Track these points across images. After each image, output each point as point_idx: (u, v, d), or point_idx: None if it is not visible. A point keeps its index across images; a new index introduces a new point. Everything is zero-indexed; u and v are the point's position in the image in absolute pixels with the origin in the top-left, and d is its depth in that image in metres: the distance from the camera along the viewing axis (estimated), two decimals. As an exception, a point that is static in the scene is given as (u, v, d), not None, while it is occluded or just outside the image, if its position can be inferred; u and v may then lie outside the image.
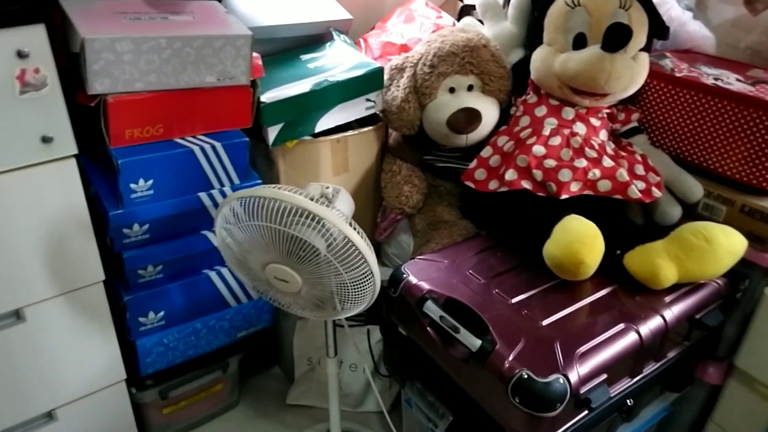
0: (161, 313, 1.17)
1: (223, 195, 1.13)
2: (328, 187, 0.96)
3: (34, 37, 0.83)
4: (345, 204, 0.98)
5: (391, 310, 1.07)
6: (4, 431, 1.05)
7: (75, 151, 0.93)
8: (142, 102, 0.98)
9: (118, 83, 0.93)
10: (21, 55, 0.82)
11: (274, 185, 0.89)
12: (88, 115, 0.97)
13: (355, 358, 1.39)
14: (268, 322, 1.35)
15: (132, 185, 1.01)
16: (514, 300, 0.99)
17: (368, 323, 1.37)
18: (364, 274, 0.88)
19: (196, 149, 1.06)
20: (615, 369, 0.91)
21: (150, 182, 1.03)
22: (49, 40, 0.85)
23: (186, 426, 1.39)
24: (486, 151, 1.17)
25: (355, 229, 0.86)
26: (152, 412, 1.31)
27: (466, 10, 1.55)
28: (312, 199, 0.85)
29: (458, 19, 1.50)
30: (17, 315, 0.99)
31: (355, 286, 0.91)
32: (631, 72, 1.10)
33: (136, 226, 1.06)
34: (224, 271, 1.22)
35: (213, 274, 1.20)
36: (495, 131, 1.22)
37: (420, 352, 1.03)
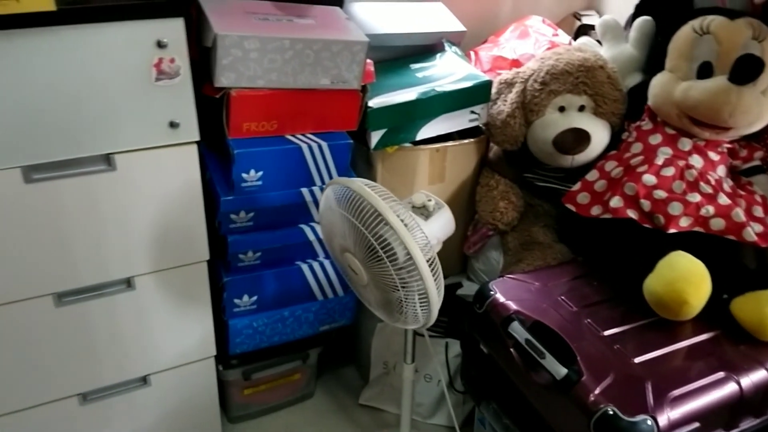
0: (254, 298, 1.23)
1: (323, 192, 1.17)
2: (430, 200, 0.95)
3: (174, 30, 0.90)
4: (442, 222, 0.95)
5: (474, 326, 1.06)
6: (104, 389, 1.15)
7: (197, 138, 1.00)
8: (262, 98, 1.03)
9: (242, 78, 0.99)
10: (160, 45, 0.90)
11: (369, 182, 0.90)
12: (209, 106, 1.04)
13: (431, 368, 1.39)
14: (350, 320, 1.38)
15: (244, 174, 1.07)
16: (606, 333, 0.95)
17: (447, 336, 1.36)
18: (420, 297, 0.87)
19: (304, 147, 1.10)
20: (709, 419, 0.86)
21: (260, 173, 1.09)
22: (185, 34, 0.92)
23: (263, 409, 1.45)
24: (592, 175, 1.13)
25: (425, 253, 0.85)
26: (234, 391, 1.38)
27: (584, 30, 1.51)
28: (413, 207, 0.86)
29: (575, 39, 1.47)
30: (128, 283, 1.07)
31: (409, 304, 0.90)
32: (759, 107, 1.03)
33: (242, 213, 1.12)
34: (315, 265, 1.26)
35: (305, 267, 1.25)
36: (603, 155, 1.18)
37: (500, 372, 1.01)
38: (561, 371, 0.88)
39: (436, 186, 1.29)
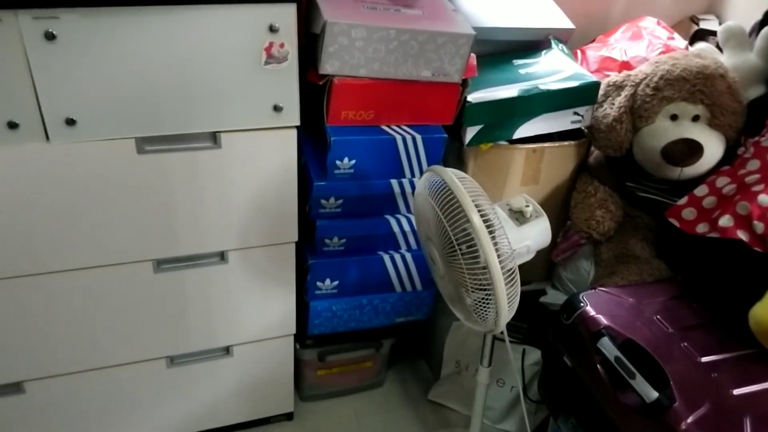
0: (336, 282, 1.25)
1: (412, 185, 1.17)
2: (529, 205, 0.92)
3: (286, 15, 0.92)
4: (536, 231, 0.91)
5: (559, 337, 1.03)
6: (190, 354, 1.21)
7: (297, 122, 1.02)
8: (363, 87, 1.04)
9: (345, 67, 1.00)
10: (272, 29, 0.92)
11: (463, 176, 0.89)
12: (309, 92, 1.05)
13: (505, 374, 1.36)
14: (426, 315, 1.38)
15: (337, 162, 1.09)
16: (703, 359, 0.89)
17: (526, 342, 1.32)
18: (488, 304, 0.85)
19: (398, 138, 1.10)
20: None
21: (353, 162, 1.09)
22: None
23: (333, 392, 1.48)
24: (701, 190, 1.06)
25: (504, 260, 0.82)
26: (308, 371, 1.41)
27: (701, 35, 1.41)
28: (510, 210, 0.84)
29: (690, 44, 1.38)
30: (222, 256, 1.11)
31: (479, 306, 0.88)
32: None
33: (332, 199, 1.14)
34: (397, 257, 1.26)
35: (386, 258, 1.25)
36: (715, 170, 1.10)
37: (582, 387, 0.97)
38: (651, 395, 0.83)
39: (528, 188, 1.25)
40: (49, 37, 0.82)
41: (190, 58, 0.90)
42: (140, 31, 0.85)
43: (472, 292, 0.86)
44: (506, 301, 0.84)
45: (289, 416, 1.41)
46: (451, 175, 0.87)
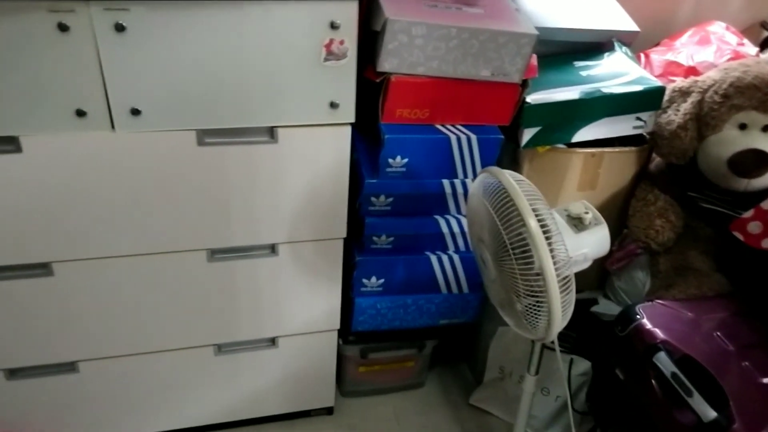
0: (382, 280, 1.25)
1: (464, 186, 1.16)
2: (588, 212, 0.89)
3: (347, 12, 0.92)
4: (595, 240, 0.89)
5: (612, 349, 1.00)
6: (237, 343, 1.23)
7: (353, 119, 1.02)
8: (420, 85, 1.03)
9: (404, 65, 1.00)
10: (333, 26, 0.92)
11: (519, 178, 0.87)
12: (363, 89, 1.05)
13: (551, 382, 1.33)
14: (471, 318, 1.36)
15: (390, 159, 1.08)
16: (765, 380, 0.85)
17: (574, 352, 1.29)
18: (540, 311, 0.83)
19: (453, 138, 1.09)
20: None
21: (405, 160, 1.09)
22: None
23: (374, 389, 1.48)
24: (769, 204, 1.01)
25: (560, 268, 0.80)
26: (350, 367, 1.41)
27: (773, 41, 1.35)
28: (568, 216, 0.82)
29: (761, 50, 1.31)
30: (272, 249, 1.13)
31: (530, 313, 0.86)
32: None
33: (382, 197, 1.14)
34: (445, 258, 1.25)
35: (434, 258, 1.24)
36: (785, 183, 1.05)
37: (634, 402, 0.94)
38: (709, 414, 0.80)
39: (585, 193, 1.22)
40: (119, 28, 0.84)
41: (252, 53, 0.91)
42: (206, 25, 0.87)
43: (524, 297, 0.85)
44: (560, 310, 0.82)
45: (329, 411, 1.42)
46: (509, 177, 0.85)
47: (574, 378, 1.29)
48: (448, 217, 1.20)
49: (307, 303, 1.22)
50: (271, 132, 0.99)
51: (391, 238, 1.20)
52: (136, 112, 0.91)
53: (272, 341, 1.25)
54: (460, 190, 1.16)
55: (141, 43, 0.86)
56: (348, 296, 1.27)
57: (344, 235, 1.15)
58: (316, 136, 1.02)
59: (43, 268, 1.01)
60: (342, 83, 0.98)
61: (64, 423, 1.22)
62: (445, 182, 1.15)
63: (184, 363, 1.21)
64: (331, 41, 0.93)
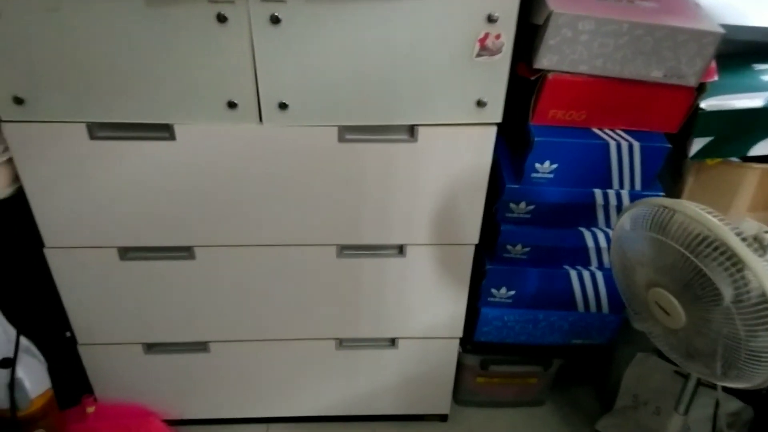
0: (512, 292, 1.17)
1: (618, 198, 1.04)
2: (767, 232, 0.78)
3: (507, 4, 0.84)
4: None
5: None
6: (358, 340, 1.21)
7: (499, 120, 0.95)
8: (579, 85, 0.93)
9: (564, 62, 0.91)
10: (491, 19, 0.85)
11: (696, 204, 0.76)
12: (513, 86, 0.97)
13: (695, 420, 1.19)
14: (608, 340, 1.25)
15: (537, 164, 1.00)
16: None
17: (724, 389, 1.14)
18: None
19: (612, 144, 0.98)
20: None
21: (554, 166, 1.00)
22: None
23: (491, 402, 1.41)
24: None
25: None
26: (468, 376, 1.35)
27: None
28: (742, 239, 0.70)
29: None
30: (400, 249, 1.09)
31: (752, 358, 0.73)
32: None
33: (522, 204, 1.06)
34: (585, 274, 1.14)
35: (573, 273, 1.14)
36: None
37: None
38: None
39: (759, 214, 1.06)
40: (275, 20, 0.83)
41: (401, 47, 0.87)
42: (357, 18, 0.84)
43: (743, 338, 0.73)
44: None
45: (443, 418, 1.37)
46: (692, 207, 0.74)
47: (721, 418, 1.14)
48: (594, 230, 1.10)
49: (430, 307, 1.17)
50: (411, 131, 0.95)
51: (527, 249, 1.12)
52: (283, 106, 0.90)
53: (392, 342, 1.22)
54: (613, 201, 1.05)
55: (294, 36, 0.84)
56: (474, 304, 1.21)
57: (476, 241, 1.09)
58: (458, 135, 0.96)
59: (186, 251, 1.05)
60: (492, 81, 0.91)
61: (191, 398, 1.27)
62: (597, 192, 1.04)
63: (307, 354, 1.21)
64: (486, 35, 0.86)
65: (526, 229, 1.10)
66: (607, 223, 1.09)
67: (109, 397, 1.24)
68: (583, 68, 0.91)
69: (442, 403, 1.34)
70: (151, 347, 1.18)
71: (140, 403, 1.26)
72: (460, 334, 1.23)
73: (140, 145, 0.92)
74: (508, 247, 1.12)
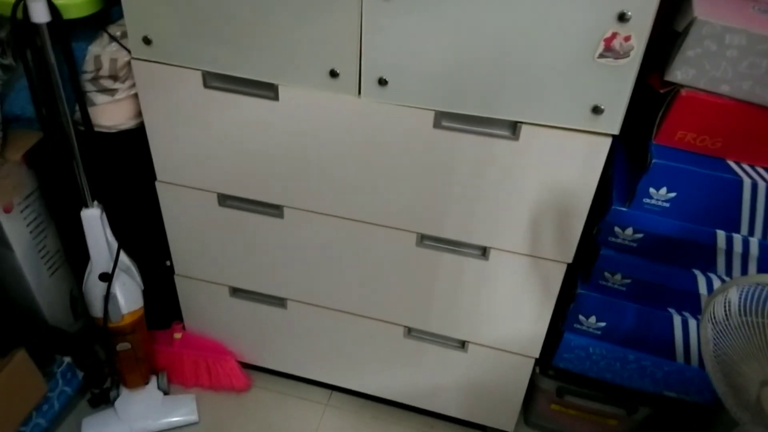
0: (602, 323, 1.07)
1: (745, 245, 0.89)
2: None
3: (644, 3, 0.74)
4: None
5: None
6: (427, 333, 1.18)
7: (616, 131, 0.85)
8: (719, 108, 0.80)
9: (702, 78, 0.78)
10: (622, 18, 0.75)
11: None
12: (637, 96, 0.86)
13: None
14: (708, 401, 1.09)
15: (652, 189, 0.88)
16: None
17: None
18: None
19: (747, 182, 0.84)
20: None
21: (672, 195, 0.88)
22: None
23: (563, 431, 1.30)
24: None
25: None
26: (542, 399, 1.26)
27: None
28: None
29: None
30: (483, 252, 1.03)
31: None
32: None
33: (629, 230, 0.94)
34: (692, 322, 1.00)
35: (677, 319, 1.01)
36: None
37: None
38: None
39: None
40: (387, -7, 0.81)
41: (516, 36, 0.80)
42: (474, 1, 0.79)
43: None
44: None
45: (506, 435, 1.30)
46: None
47: None
48: (711, 275, 0.95)
49: (509, 320, 1.10)
50: (513, 127, 0.88)
51: (628, 280, 1.00)
52: (383, 82, 0.88)
53: (462, 344, 1.17)
54: (738, 248, 0.90)
55: (404, 12, 0.82)
56: (557, 326, 1.11)
57: (570, 260, 1.00)
58: (566, 141, 0.87)
59: (276, 209, 1.09)
60: (613, 86, 0.81)
61: (265, 348, 1.33)
62: (720, 234, 0.90)
63: (375, 333, 1.21)
64: (614, 35, 0.77)
65: (629, 259, 0.98)
66: (728, 271, 0.94)
67: (195, 328, 1.35)
68: (725, 89, 0.78)
69: (507, 420, 1.27)
70: (235, 291, 1.25)
71: (221, 340, 1.35)
72: (537, 355, 1.14)
73: (247, 101, 0.96)
74: (606, 274, 1.01)
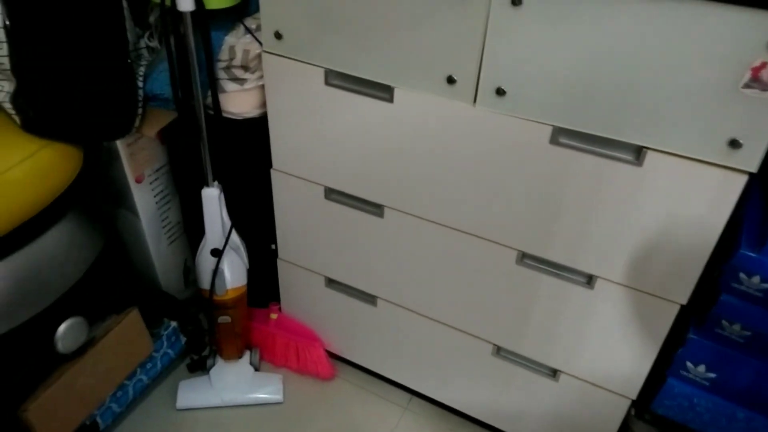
0: (712, 375, 0.97)
1: None
2: None
3: (806, 31, 0.66)
4: None
5: None
6: (517, 355, 1.14)
7: (754, 169, 0.77)
8: None
9: None
10: (775, 46, 0.68)
11: None
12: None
13: None
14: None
15: (790, 237, 0.79)
16: None
17: None
18: None
19: None
20: None
21: (815, 246, 0.78)
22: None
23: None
24: None
25: None
26: (631, 444, 1.18)
27: None
28: None
29: None
30: (588, 280, 0.98)
31: None
32: None
33: (756, 278, 0.85)
34: (823, 391, 0.89)
35: (805, 384, 0.90)
36: None
37: None
38: None
39: None
40: (516, 2, 0.78)
41: (653, 57, 0.75)
42: (610, 15, 0.74)
43: None
44: None
45: (589, 474, 1.23)
46: None
47: None
48: None
49: (608, 354, 1.04)
50: (638, 152, 0.83)
51: (748, 333, 0.91)
52: (501, 92, 0.86)
53: (553, 373, 1.12)
54: None
55: (531, 22, 0.79)
56: (660, 369, 1.03)
57: (684, 301, 0.92)
58: (696, 173, 0.80)
59: (377, 208, 1.10)
60: (756, 120, 0.74)
61: (352, 341, 1.36)
62: None
63: (463, 346, 1.19)
64: (764, 65, 0.70)
65: (753, 310, 0.89)
66: None
67: (290, 311, 1.40)
68: None
69: (592, 459, 1.20)
70: (331, 282, 1.28)
71: (312, 327, 1.39)
72: (634, 396, 1.07)
73: (363, 101, 0.98)
74: (724, 322, 0.92)
